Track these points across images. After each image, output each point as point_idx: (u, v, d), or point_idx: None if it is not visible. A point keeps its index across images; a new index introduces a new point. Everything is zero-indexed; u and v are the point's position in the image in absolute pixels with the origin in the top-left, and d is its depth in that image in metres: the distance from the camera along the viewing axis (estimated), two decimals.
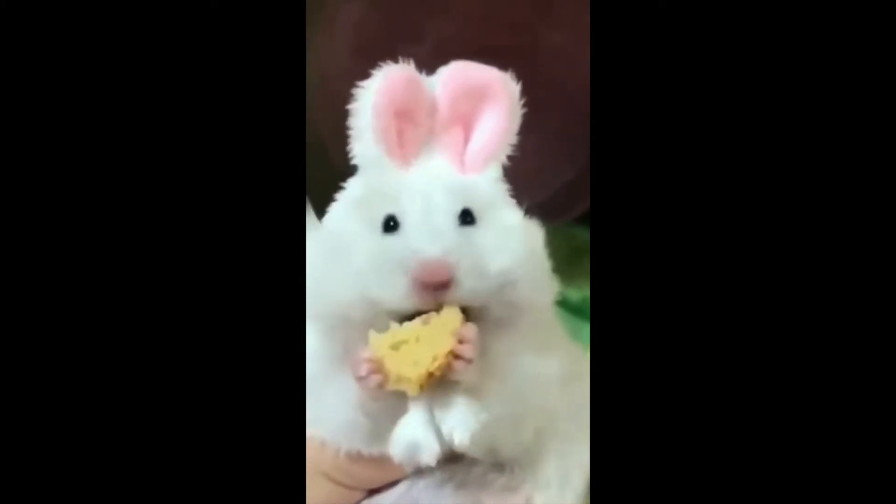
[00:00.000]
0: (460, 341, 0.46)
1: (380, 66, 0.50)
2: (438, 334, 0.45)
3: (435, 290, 0.46)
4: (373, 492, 0.52)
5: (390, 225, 0.48)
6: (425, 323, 0.46)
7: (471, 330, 0.46)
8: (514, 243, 0.48)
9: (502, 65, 0.51)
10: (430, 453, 0.46)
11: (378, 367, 0.46)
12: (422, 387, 0.45)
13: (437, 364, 0.45)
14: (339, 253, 0.48)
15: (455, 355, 0.46)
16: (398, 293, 0.46)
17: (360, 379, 0.46)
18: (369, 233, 0.48)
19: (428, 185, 0.49)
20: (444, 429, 0.46)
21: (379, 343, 0.46)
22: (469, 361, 0.46)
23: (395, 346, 0.45)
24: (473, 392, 0.47)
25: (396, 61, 0.50)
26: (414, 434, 0.47)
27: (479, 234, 0.48)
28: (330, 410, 0.49)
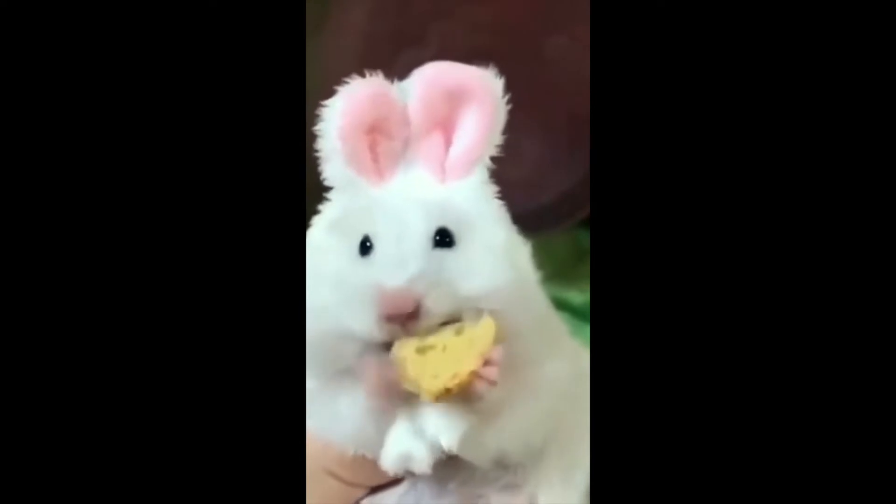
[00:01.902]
0: (487, 362, 0.44)
1: (379, 72, 0.48)
2: (466, 350, 0.44)
3: (401, 322, 0.44)
4: (375, 489, 0.51)
5: (366, 246, 0.46)
6: (458, 333, 0.45)
7: (499, 353, 0.45)
8: (491, 266, 0.46)
9: (505, 69, 0.49)
10: (421, 462, 0.46)
11: (399, 372, 0.44)
12: (437, 398, 0.44)
13: (455, 382, 0.44)
14: (314, 279, 0.46)
15: (478, 375, 0.44)
16: (367, 324, 0.45)
17: (369, 391, 0.46)
18: (345, 256, 0.47)
19: (402, 205, 0.47)
20: (430, 433, 0.45)
21: (405, 343, 0.44)
22: (493, 384, 0.45)
23: (421, 350, 0.44)
24: (487, 410, 0.46)
25: (401, 66, 0.49)
26: (405, 444, 0.46)
27: (453, 257, 0.46)
28: (339, 421, 0.49)
